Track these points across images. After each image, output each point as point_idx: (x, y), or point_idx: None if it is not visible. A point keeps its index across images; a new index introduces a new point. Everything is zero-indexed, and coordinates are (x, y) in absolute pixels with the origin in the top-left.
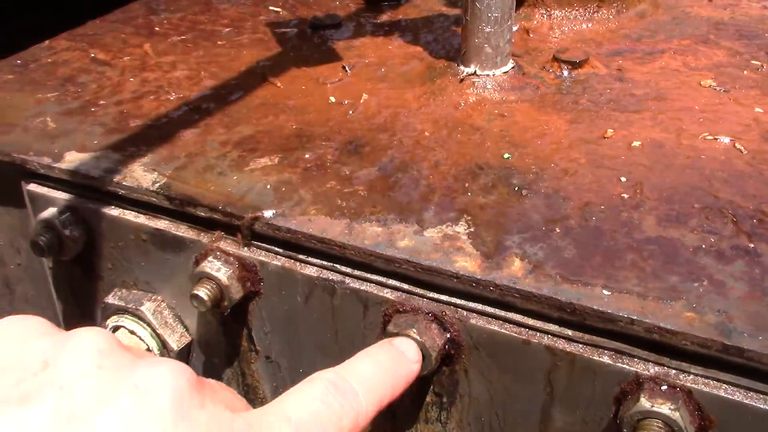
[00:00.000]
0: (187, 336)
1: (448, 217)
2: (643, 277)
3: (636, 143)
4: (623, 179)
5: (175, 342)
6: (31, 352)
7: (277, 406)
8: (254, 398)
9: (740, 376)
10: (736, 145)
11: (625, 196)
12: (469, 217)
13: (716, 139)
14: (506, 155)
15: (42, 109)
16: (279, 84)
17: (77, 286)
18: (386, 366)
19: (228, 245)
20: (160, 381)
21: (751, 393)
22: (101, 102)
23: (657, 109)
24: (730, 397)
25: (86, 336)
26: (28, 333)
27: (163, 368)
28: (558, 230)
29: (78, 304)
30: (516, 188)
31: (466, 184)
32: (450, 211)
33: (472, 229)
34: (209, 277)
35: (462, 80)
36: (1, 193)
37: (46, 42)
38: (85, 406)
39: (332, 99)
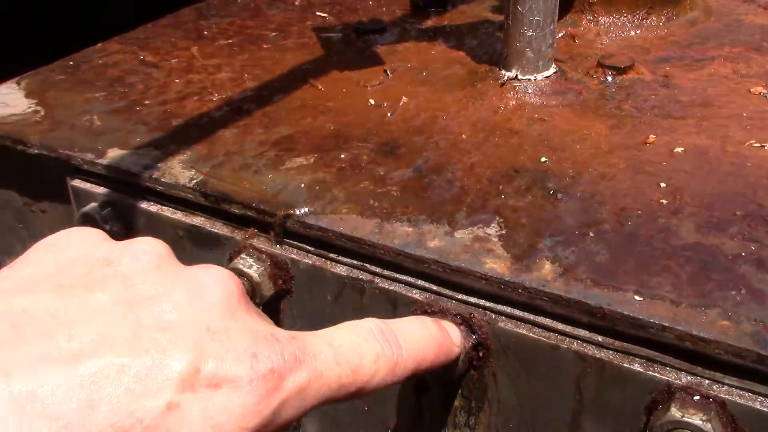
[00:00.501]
0: None
1: (479, 218)
2: (678, 284)
3: (678, 149)
4: (663, 185)
5: None
6: (95, 252)
7: (323, 332)
8: None
9: None
10: None
11: (664, 201)
12: (501, 220)
13: (763, 146)
14: (543, 159)
15: (89, 108)
16: (320, 86)
17: None
18: (433, 334)
19: (261, 242)
20: (213, 281)
21: None
22: (146, 102)
23: (702, 116)
24: (766, 410)
25: (147, 241)
26: (91, 239)
27: (217, 272)
28: (592, 234)
29: None
30: (551, 192)
31: (500, 187)
32: (482, 213)
33: (503, 232)
34: (241, 274)
35: (503, 84)
36: (48, 190)
37: (99, 44)
38: (143, 295)
39: (371, 102)
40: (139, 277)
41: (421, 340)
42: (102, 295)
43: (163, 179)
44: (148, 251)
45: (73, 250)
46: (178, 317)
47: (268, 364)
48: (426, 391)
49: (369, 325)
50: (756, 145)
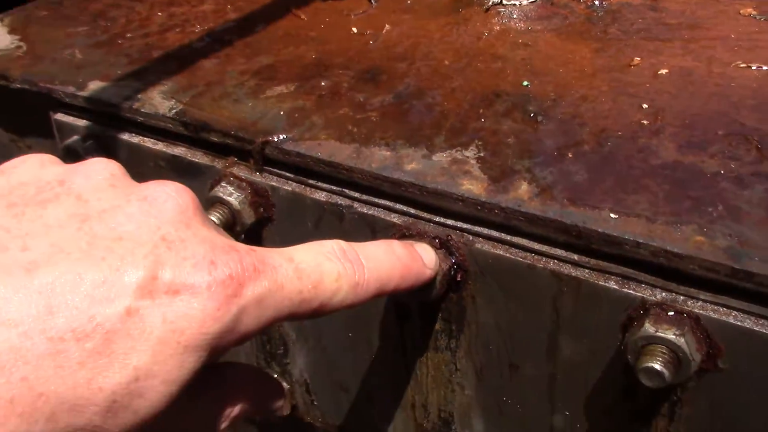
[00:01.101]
0: None
1: (458, 142)
2: (655, 202)
3: (663, 71)
4: (645, 106)
5: None
6: (47, 175)
7: (284, 249)
8: (273, 329)
9: (751, 303)
10: None
11: (645, 122)
12: (480, 143)
13: (750, 67)
14: (525, 83)
15: (72, 42)
16: (303, 16)
17: None
18: (399, 256)
19: (241, 171)
20: (167, 194)
21: (762, 320)
22: (128, 35)
23: (690, 38)
24: (739, 324)
25: (99, 161)
26: (44, 162)
27: (170, 186)
28: (570, 155)
29: None
30: (531, 115)
31: (481, 111)
32: (461, 136)
33: (481, 154)
34: (222, 202)
35: (487, 10)
36: (33, 125)
37: None
38: (97, 209)
39: (354, 30)
40: (92, 193)
41: (385, 262)
42: (55, 210)
43: (143, 110)
44: (100, 170)
45: (26, 173)
46: (133, 229)
47: (227, 270)
48: (408, 317)
49: (331, 244)
50: (742, 65)
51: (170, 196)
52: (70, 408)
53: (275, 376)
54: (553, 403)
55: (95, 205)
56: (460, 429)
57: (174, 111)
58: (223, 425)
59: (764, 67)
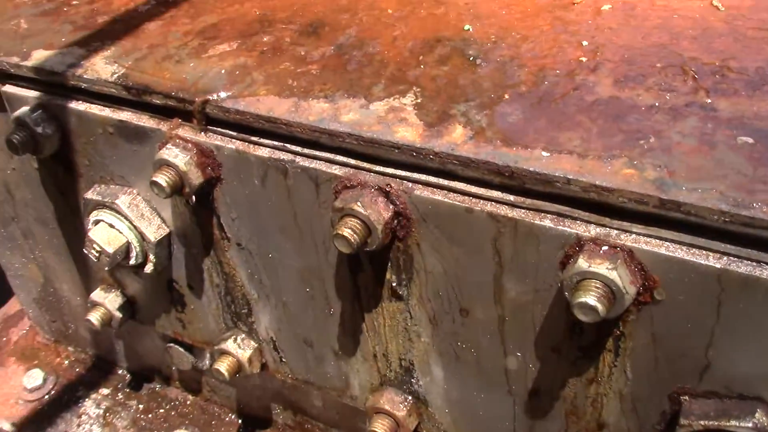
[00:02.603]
0: (165, 228)
1: (396, 90)
2: (587, 138)
3: (606, 7)
4: (585, 43)
5: (152, 234)
6: None
7: None
8: (233, 286)
9: (682, 233)
10: (714, 2)
11: (584, 59)
12: (418, 89)
13: None
14: (467, 27)
15: (17, 12)
16: None
17: (62, 185)
18: None
19: (186, 132)
20: None
21: (694, 249)
22: (74, 2)
23: None
24: (672, 254)
25: None
26: None
27: None
28: (507, 96)
29: (67, 203)
30: (471, 58)
31: (421, 57)
32: (400, 84)
33: (419, 101)
34: (168, 164)
35: None
36: None
37: None
38: None
39: None
40: None
41: None
42: None
43: (85, 76)
44: None
45: None
46: None
47: None
48: (359, 268)
49: None
50: None
51: None
52: None
53: (243, 335)
54: (505, 345)
55: None
56: (421, 377)
57: (116, 75)
58: None
59: None
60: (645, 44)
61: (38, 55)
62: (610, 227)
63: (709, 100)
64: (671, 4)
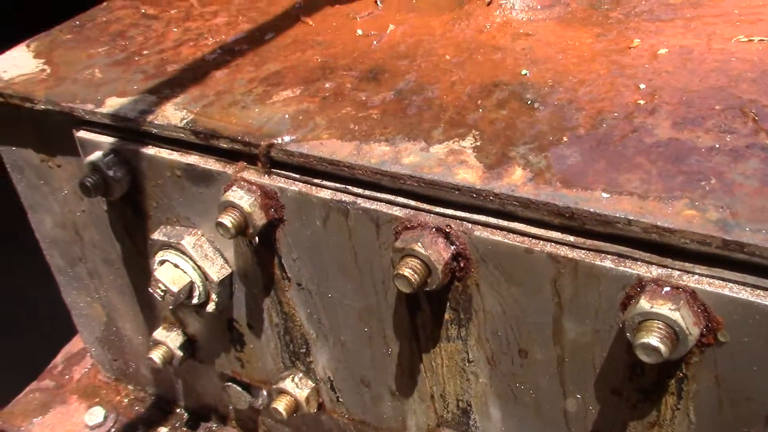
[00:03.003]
0: (227, 268)
1: (456, 133)
2: (647, 179)
3: (662, 51)
4: (642, 86)
5: (216, 273)
6: None
7: None
8: (292, 325)
9: (746, 274)
10: None
11: (642, 102)
12: (477, 132)
13: (751, 40)
14: (524, 72)
15: (92, 62)
16: (310, 22)
17: (130, 226)
18: None
19: (251, 175)
20: None
21: (758, 291)
22: (145, 52)
23: (692, 16)
24: (735, 295)
25: None
26: None
27: None
28: (565, 139)
29: (133, 244)
30: (529, 102)
31: (479, 102)
32: (459, 127)
33: (478, 143)
34: (233, 206)
35: (489, 3)
36: (59, 144)
37: (104, 3)
38: None
39: (359, 32)
40: None
41: None
42: None
43: (156, 122)
44: None
45: None
46: None
47: None
48: (418, 308)
49: None
50: (743, 39)
51: None
52: None
53: (301, 374)
54: (564, 387)
55: None
56: (478, 418)
57: (185, 121)
58: None
59: (766, 39)
60: (703, 87)
61: (111, 102)
62: (672, 268)
63: None
64: (728, 47)
